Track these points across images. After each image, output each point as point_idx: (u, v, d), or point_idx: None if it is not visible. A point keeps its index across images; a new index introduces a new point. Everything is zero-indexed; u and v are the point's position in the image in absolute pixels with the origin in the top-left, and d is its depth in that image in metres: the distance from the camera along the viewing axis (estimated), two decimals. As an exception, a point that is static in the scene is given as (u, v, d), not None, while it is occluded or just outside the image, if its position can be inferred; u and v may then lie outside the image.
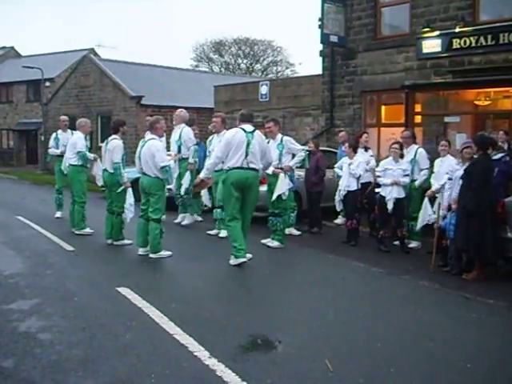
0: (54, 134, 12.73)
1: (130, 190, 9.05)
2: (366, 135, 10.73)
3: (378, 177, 9.36)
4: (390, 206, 9.04)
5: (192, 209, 11.24)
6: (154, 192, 8.33)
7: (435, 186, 8.57)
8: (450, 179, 8.13)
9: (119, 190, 9.09)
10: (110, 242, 9.25)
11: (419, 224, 8.88)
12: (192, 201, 11.14)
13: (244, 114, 8.31)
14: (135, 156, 8.68)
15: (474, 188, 7.29)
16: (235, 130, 8.08)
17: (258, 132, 8.15)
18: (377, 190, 10.16)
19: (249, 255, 7.98)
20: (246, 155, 7.85)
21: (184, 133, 10.87)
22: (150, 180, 8.33)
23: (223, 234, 9.71)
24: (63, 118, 13.02)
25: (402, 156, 9.26)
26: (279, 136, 9.49)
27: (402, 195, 9.09)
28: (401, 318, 5.81)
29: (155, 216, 8.30)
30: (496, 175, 7.62)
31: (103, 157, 9.48)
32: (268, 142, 9.02)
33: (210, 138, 10.62)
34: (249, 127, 8.06)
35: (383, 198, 9.17)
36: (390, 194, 9.06)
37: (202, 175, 8.61)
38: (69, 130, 12.29)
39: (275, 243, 9.23)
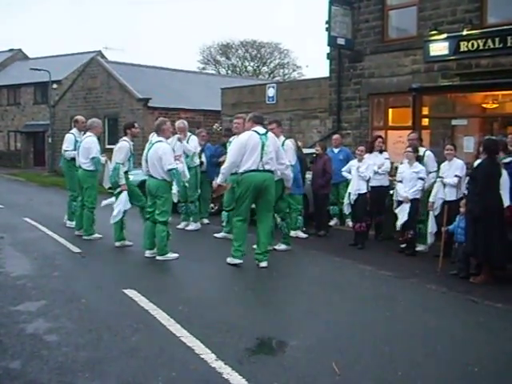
0: (71, 136, 11.18)
1: (124, 194, 9.02)
2: (380, 139, 10.68)
3: (400, 181, 9.28)
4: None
5: (196, 216, 11.26)
6: (161, 194, 8.32)
7: (447, 181, 8.54)
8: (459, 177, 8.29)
9: (116, 191, 9.11)
10: (118, 244, 9.25)
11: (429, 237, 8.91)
12: (196, 209, 11.16)
13: (257, 116, 8.27)
14: (142, 158, 8.69)
15: (478, 192, 7.26)
16: (249, 132, 8.02)
17: (270, 133, 8.16)
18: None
19: (264, 263, 7.98)
20: (261, 157, 7.82)
21: (190, 141, 10.89)
22: (156, 182, 8.33)
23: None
24: (82, 118, 11.63)
25: (418, 158, 9.20)
26: (281, 139, 9.25)
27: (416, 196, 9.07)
28: (408, 321, 5.79)
29: (162, 218, 8.30)
30: (505, 179, 7.59)
31: (112, 159, 9.50)
32: None
33: (231, 139, 10.47)
34: (261, 129, 8.05)
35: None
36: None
37: (218, 180, 8.33)
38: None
39: (282, 246, 9.22)
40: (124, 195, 9.02)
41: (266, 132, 8.06)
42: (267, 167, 7.88)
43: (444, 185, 8.62)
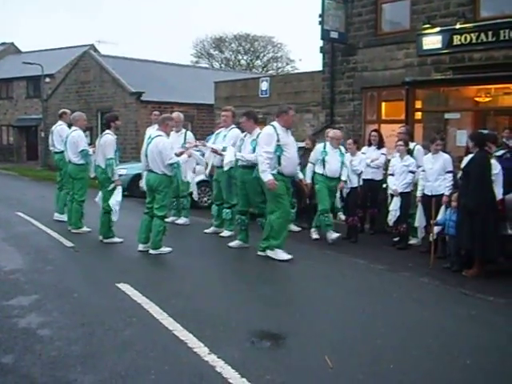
0: (67, 129, 10.96)
1: (119, 189, 8.96)
2: (374, 133, 10.67)
3: (391, 175, 9.30)
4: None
5: (187, 212, 11.25)
6: (161, 189, 8.27)
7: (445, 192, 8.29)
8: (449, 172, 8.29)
9: (110, 187, 8.99)
10: (100, 238, 9.19)
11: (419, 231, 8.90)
12: (188, 203, 11.14)
13: None
14: (141, 153, 8.64)
15: (472, 186, 7.26)
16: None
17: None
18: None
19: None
20: None
21: (189, 137, 10.79)
22: (157, 177, 8.27)
23: (226, 233, 9.69)
24: (69, 111, 11.58)
25: (409, 151, 9.21)
26: (256, 131, 8.85)
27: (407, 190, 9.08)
28: (401, 314, 5.81)
29: (160, 213, 8.28)
30: (498, 173, 7.59)
31: (96, 153, 9.41)
32: (245, 136, 8.91)
33: (218, 131, 10.39)
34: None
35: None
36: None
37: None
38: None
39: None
40: (119, 190, 8.97)
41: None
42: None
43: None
